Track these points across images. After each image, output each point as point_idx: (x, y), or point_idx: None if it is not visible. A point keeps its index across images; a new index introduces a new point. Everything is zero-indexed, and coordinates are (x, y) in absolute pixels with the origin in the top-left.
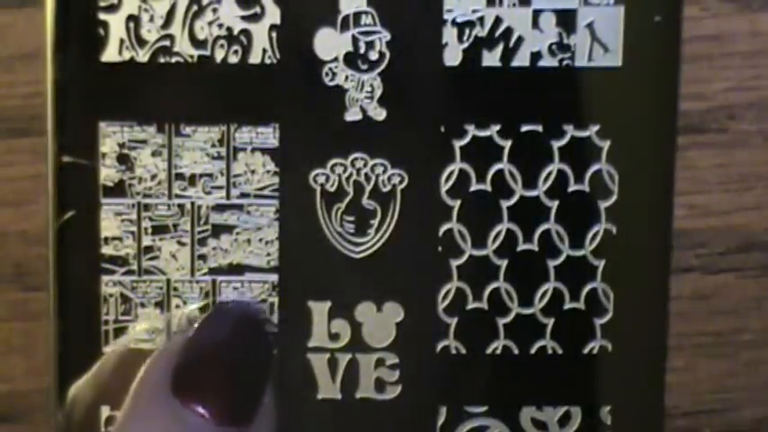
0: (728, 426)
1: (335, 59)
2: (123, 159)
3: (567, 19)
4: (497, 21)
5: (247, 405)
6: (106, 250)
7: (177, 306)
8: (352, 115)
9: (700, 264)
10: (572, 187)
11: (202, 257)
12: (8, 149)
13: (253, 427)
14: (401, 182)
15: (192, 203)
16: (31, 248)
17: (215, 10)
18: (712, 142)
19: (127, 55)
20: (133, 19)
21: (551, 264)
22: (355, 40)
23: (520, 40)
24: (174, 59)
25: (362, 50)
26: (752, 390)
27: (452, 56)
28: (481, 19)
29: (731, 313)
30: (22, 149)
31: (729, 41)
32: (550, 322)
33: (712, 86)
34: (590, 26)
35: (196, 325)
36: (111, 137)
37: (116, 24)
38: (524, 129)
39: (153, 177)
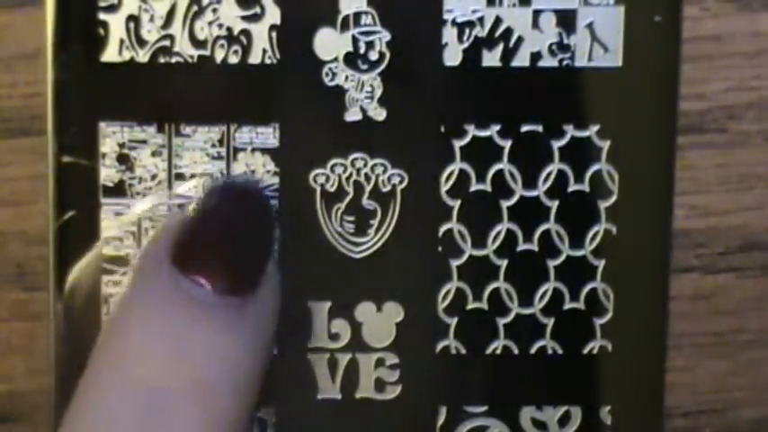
0: (728, 426)
1: (335, 59)
2: (123, 159)
3: (566, 19)
4: (497, 21)
5: (249, 275)
6: (106, 250)
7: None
8: (352, 115)
9: (700, 264)
10: (572, 187)
11: None
12: (8, 149)
13: (256, 296)
14: (401, 182)
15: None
16: (31, 248)
17: (215, 10)
18: (712, 142)
19: (127, 55)
20: (133, 19)
21: (551, 264)
22: (355, 40)
23: (520, 40)
24: (174, 59)
25: (362, 50)
26: (752, 390)
27: (452, 56)
28: (481, 19)
29: (731, 313)
30: (22, 149)
31: (729, 41)
32: (550, 322)
33: (712, 86)
34: (590, 26)
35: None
36: (111, 137)
37: (116, 24)
38: (524, 129)
39: (153, 177)
